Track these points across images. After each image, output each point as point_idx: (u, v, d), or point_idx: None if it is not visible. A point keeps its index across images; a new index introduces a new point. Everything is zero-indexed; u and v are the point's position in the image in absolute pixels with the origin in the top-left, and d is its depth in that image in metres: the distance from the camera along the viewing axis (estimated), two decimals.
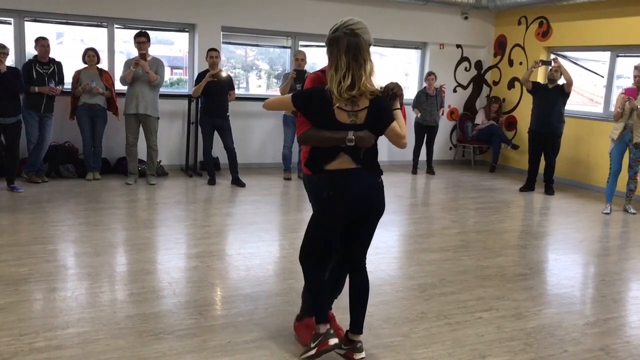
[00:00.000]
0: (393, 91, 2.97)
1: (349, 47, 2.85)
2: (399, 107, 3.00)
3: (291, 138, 7.78)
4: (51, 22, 7.68)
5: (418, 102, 9.01)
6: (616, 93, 7.74)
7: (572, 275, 4.78)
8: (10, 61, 6.57)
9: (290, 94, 3.07)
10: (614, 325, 3.79)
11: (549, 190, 7.97)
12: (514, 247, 5.49)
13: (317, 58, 9.40)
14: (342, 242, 3.10)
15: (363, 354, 3.06)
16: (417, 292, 4.17)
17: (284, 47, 9.16)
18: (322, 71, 3.11)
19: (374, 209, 3.02)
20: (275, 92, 8.89)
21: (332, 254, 3.14)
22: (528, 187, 8.11)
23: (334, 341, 3.02)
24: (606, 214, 6.90)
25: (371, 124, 2.92)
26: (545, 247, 5.62)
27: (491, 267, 4.79)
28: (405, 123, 3.05)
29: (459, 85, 10.22)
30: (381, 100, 2.92)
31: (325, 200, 3.00)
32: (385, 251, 5.10)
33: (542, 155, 7.99)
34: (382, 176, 3.04)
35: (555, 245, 5.69)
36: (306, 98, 3.00)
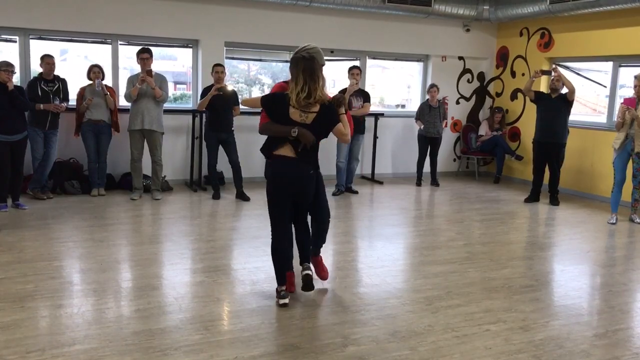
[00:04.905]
0: (339, 101, 3.97)
1: (305, 68, 3.79)
2: (344, 112, 4.00)
3: None
4: (56, 40, 7.75)
5: (421, 114, 9.03)
6: (619, 103, 7.75)
7: (579, 286, 4.76)
8: (15, 79, 6.61)
9: (261, 96, 4.09)
10: (623, 337, 3.77)
11: (554, 201, 7.95)
12: (520, 258, 5.47)
13: None
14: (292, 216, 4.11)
15: (308, 272, 4.11)
16: (424, 305, 4.15)
17: (286, 61, 9.21)
18: (285, 82, 4.22)
19: (304, 191, 4.00)
20: None
21: (285, 222, 4.04)
22: (533, 197, 8.10)
23: (282, 301, 3.99)
24: (612, 224, 6.87)
25: (317, 125, 3.86)
26: (551, 258, 5.60)
27: (498, 279, 4.77)
28: (351, 124, 4.17)
29: (462, 97, 10.25)
30: (328, 108, 3.89)
31: (269, 178, 3.99)
32: (390, 264, 5.09)
33: (547, 165, 7.98)
34: (317, 169, 4.06)
35: (561, 256, 5.67)
36: (270, 100, 4.00)
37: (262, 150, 4.01)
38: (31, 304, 3.90)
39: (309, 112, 3.84)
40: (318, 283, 4.52)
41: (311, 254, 4.39)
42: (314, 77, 3.79)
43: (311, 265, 4.25)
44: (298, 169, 3.92)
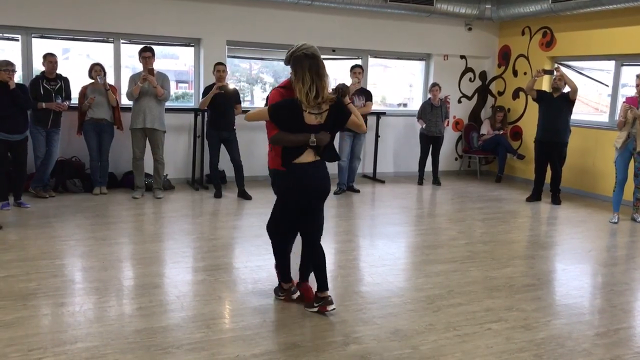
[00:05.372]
0: (343, 90, 3.89)
1: (311, 66, 3.63)
2: (349, 101, 3.90)
3: None
4: (58, 39, 7.75)
5: (423, 113, 9.02)
6: (621, 102, 7.74)
7: (581, 286, 4.75)
8: (18, 77, 6.62)
9: (267, 107, 3.79)
10: (624, 336, 3.77)
11: (556, 200, 7.95)
12: (522, 257, 5.47)
13: None
14: (299, 223, 3.91)
15: (334, 306, 3.89)
16: (426, 303, 4.16)
17: None
18: (282, 87, 3.87)
19: (325, 193, 3.86)
20: None
21: (295, 230, 3.97)
22: (534, 197, 8.09)
23: (295, 295, 4.06)
24: (613, 223, 6.87)
25: (332, 122, 3.74)
26: (553, 257, 5.60)
27: (499, 278, 4.77)
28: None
29: (464, 95, 10.24)
30: (338, 103, 3.77)
31: (291, 187, 3.77)
32: (392, 263, 5.10)
33: (548, 164, 7.98)
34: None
35: (563, 255, 5.66)
36: (280, 110, 3.71)
37: (283, 161, 3.74)
38: (33, 302, 3.91)
39: (322, 112, 3.70)
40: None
41: (300, 278, 4.15)
42: (320, 75, 3.64)
43: (329, 295, 3.93)
44: (321, 172, 3.81)
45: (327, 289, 3.91)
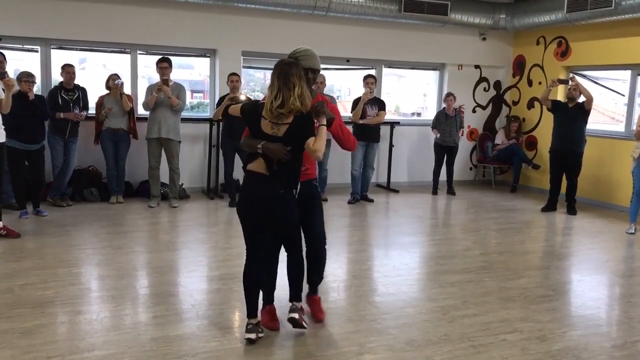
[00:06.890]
0: (317, 110, 3.41)
1: (280, 73, 3.37)
2: (324, 124, 3.42)
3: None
4: (76, 49, 7.87)
5: (437, 123, 9.03)
6: (637, 111, 7.69)
7: (597, 297, 4.71)
8: (36, 88, 6.74)
9: (241, 105, 3.65)
10: None
11: (571, 210, 7.89)
12: (537, 268, 5.44)
13: (336, 80, 9.49)
14: (265, 240, 3.61)
15: (294, 315, 3.62)
16: (440, 314, 4.15)
17: None
18: None
19: (278, 215, 3.49)
20: None
21: (258, 246, 3.58)
22: (550, 207, 8.04)
23: (247, 336, 3.52)
24: (630, 233, 6.80)
25: (290, 138, 3.36)
26: (568, 268, 5.56)
27: (514, 289, 4.75)
28: (347, 136, 3.67)
29: (478, 105, 10.22)
30: (303, 118, 3.37)
31: (239, 195, 3.56)
32: (406, 273, 5.09)
33: (564, 174, 7.93)
34: (294, 190, 3.48)
35: (579, 266, 5.62)
36: (246, 111, 3.55)
37: (243, 166, 3.60)
38: (51, 309, 3.96)
39: (281, 124, 3.37)
40: (332, 291, 4.54)
41: (308, 292, 4.01)
42: (288, 83, 3.33)
43: (301, 305, 3.77)
44: (266, 188, 3.42)
45: (300, 300, 3.75)
